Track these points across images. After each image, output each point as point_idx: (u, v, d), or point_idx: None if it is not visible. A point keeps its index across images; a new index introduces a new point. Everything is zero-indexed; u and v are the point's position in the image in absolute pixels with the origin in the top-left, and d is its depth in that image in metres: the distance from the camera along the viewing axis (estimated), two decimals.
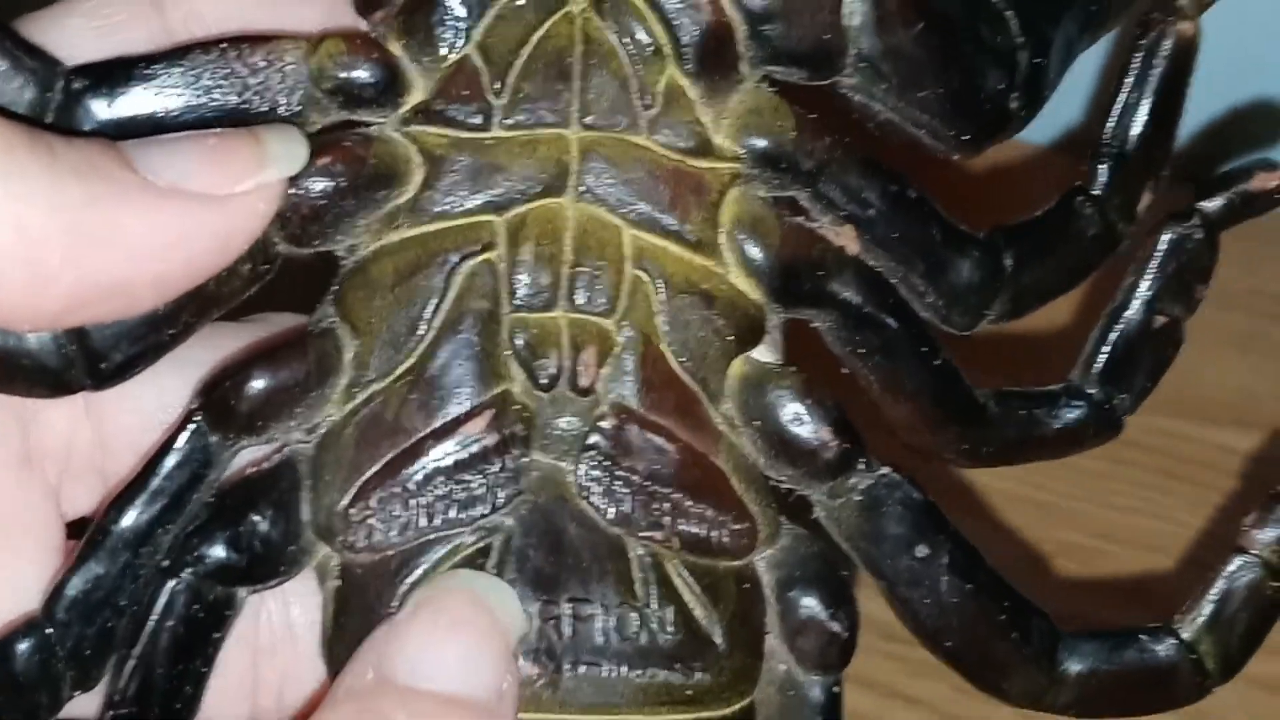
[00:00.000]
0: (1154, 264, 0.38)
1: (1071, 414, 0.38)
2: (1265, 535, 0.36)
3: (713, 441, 0.34)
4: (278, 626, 0.37)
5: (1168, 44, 0.38)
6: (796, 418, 0.34)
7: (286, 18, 0.35)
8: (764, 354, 0.35)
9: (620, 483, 0.34)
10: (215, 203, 0.32)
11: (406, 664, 0.31)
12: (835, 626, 0.35)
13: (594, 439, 0.34)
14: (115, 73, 0.33)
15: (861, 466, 0.35)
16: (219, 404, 0.33)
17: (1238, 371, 0.66)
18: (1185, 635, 0.37)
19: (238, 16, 0.35)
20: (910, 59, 0.35)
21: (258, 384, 0.33)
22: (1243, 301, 0.68)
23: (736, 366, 0.34)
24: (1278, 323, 0.68)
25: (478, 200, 0.34)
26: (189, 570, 0.33)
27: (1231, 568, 0.37)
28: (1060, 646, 0.36)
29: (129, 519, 0.33)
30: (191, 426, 0.33)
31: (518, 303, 0.34)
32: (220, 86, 0.33)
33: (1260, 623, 0.37)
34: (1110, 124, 0.38)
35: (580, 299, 0.34)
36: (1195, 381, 0.64)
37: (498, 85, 0.34)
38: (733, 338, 0.34)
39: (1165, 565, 0.61)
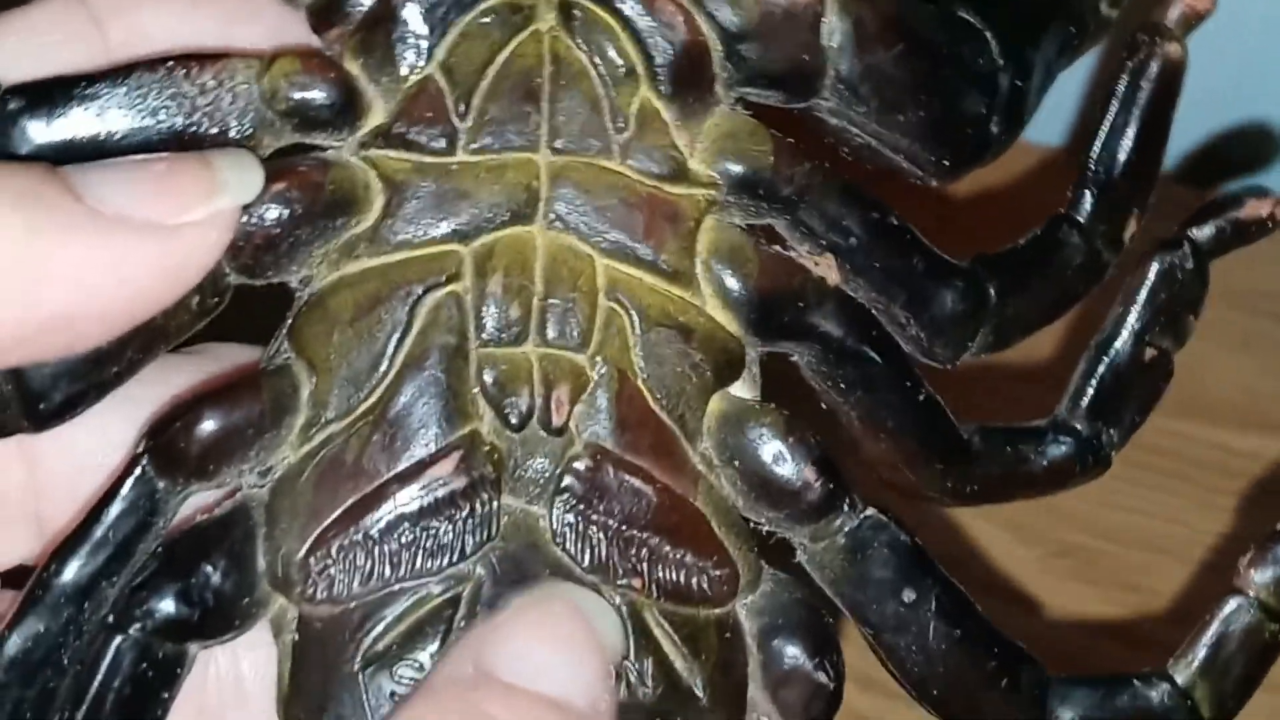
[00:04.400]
0: (1143, 294, 0.36)
1: (1059, 450, 0.36)
2: (1262, 576, 0.35)
3: (691, 483, 0.33)
4: (227, 684, 0.35)
5: (1154, 66, 0.37)
6: (778, 457, 0.33)
7: (235, 35, 0.33)
8: (742, 390, 0.33)
9: (595, 527, 0.32)
10: (165, 232, 0.30)
11: (510, 661, 0.30)
12: (821, 677, 0.33)
13: (567, 481, 0.32)
14: (54, 93, 0.31)
15: (845, 508, 0.33)
16: (167, 447, 0.31)
17: (1240, 371, 0.66)
18: (1180, 680, 0.35)
19: (183, 34, 0.33)
20: (890, 81, 0.34)
21: (208, 425, 0.31)
22: (1244, 301, 0.68)
23: (715, 403, 0.33)
24: (1278, 323, 0.68)
25: (442, 229, 0.32)
26: (136, 625, 0.31)
27: (1227, 610, 0.35)
28: (1051, 694, 0.35)
29: (71, 571, 0.31)
30: (137, 471, 0.31)
31: (486, 337, 0.32)
32: (167, 107, 0.31)
33: (1257, 667, 0.36)
34: (1095, 149, 0.37)
35: (552, 333, 0.32)
36: (1197, 381, 0.64)
37: (462, 107, 0.32)
38: (711, 373, 0.33)
39: (1167, 565, 0.60)
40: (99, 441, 0.33)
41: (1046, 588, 0.59)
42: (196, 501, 0.32)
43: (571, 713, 0.29)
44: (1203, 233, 0.36)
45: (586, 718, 0.30)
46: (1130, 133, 0.37)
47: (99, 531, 0.31)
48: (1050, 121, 0.71)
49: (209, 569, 0.31)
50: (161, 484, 0.31)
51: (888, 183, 0.35)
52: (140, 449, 0.31)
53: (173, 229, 0.30)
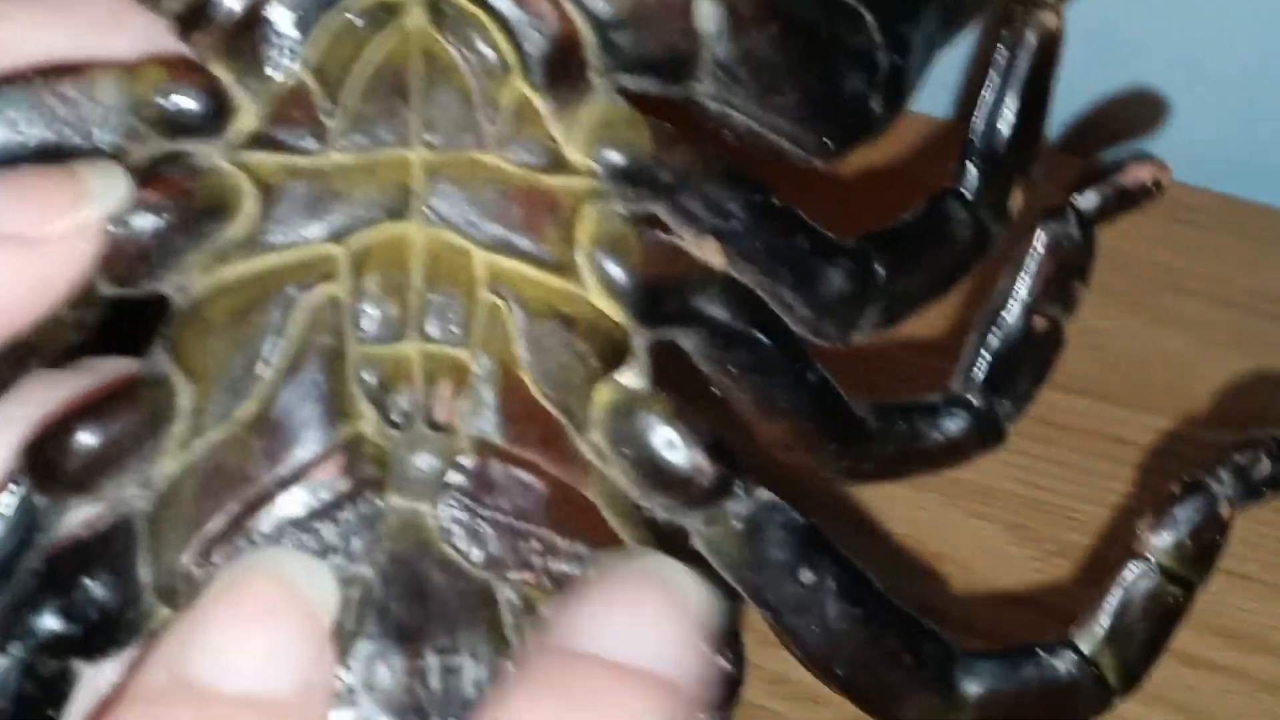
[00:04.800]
0: (1030, 264, 0.36)
1: (954, 424, 0.36)
2: (1161, 540, 0.35)
3: (581, 473, 0.32)
4: None
5: (1031, 36, 0.37)
6: (668, 443, 0.32)
7: (101, 45, 0.33)
8: (630, 379, 0.33)
9: (485, 523, 0.32)
10: (29, 245, 0.30)
11: (205, 660, 0.29)
12: (720, 663, 0.33)
13: (454, 478, 0.32)
14: None
15: (739, 491, 0.33)
16: (44, 463, 0.31)
17: (1238, 371, 0.66)
18: (1085, 649, 0.35)
19: (47, 46, 0.33)
20: (767, 63, 0.34)
21: (86, 439, 0.31)
22: (1243, 301, 0.68)
23: (602, 393, 0.33)
24: (1278, 323, 0.68)
25: (316, 230, 0.32)
26: (19, 644, 0.30)
27: (1128, 576, 0.35)
28: (957, 667, 0.35)
29: None
30: (15, 489, 0.31)
31: (364, 337, 0.32)
32: (29, 119, 0.31)
33: (1160, 631, 0.35)
34: (977, 121, 0.37)
35: (432, 329, 0.32)
36: (1195, 381, 0.64)
37: (331, 106, 0.32)
38: (597, 363, 0.33)
39: None
40: None
41: (1046, 588, 0.59)
42: (78, 517, 0.31)
43: (274, 705, 0.29)
44: (1087, 200, 0.36)
45: (293, 704, 0.29)
46: (1011, 104, 0.37)
47: None
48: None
49: (91, 584, 0.31)
50: (40, 500, 0.31)
51: (777, 166, 0.35)
52: (16, 466, 0.31)
53: (37, 241, 0.30)
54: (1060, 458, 0.60)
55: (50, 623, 0.30)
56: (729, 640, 0.33)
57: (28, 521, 0.31)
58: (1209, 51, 0.72)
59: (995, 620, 0.59)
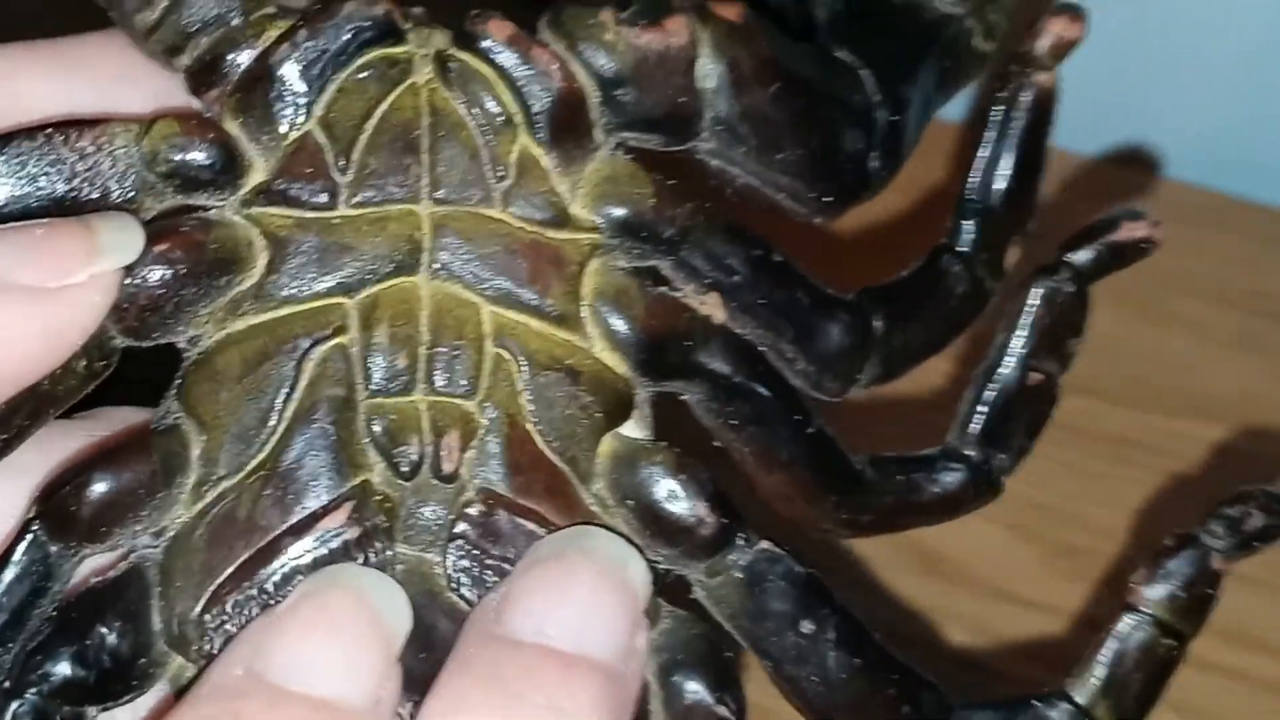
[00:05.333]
0: (1025, 320, 0.37)
1: (950, 477, 0.37)
2: (1155, 592, 0.35)
3: (585, 524, 0.33)
4: None
5: (1027, 96, 0.37)
6: (670, 494, 0.33)
7: (115, 101, 0.34)
8: (633, 430, 0.34)
9: (491, 572, 0.32)
10: (46, 296, 0.30)
11: (281, 661, 0.30)
12: (722, 711, 0.33)
13: (461, 527, 0.32)
14: None
15: (740, 542, 0.33)
16: (58, 511, 0.31)
17: (1238, 371, 0.66)
18: (1080, 700, 0.36)
19: (62, 101, 0.33)
20: (767, 121, 0.35)
21: (99, 487, 0.31)
22: (1243, 301, 0.68)
23: (606, 444, 0.33)
24: (1278, 323, 0.68)
25: (327, 282, 0.32)
26: (33, 690, 0.31)
27: (1123, 627, 0.36)
28: (954, 718, 0.35)
29: None
30: (29, 536, 0.31)
31: (374, 388, 0.32)
32: (46, 174, 0.32)
33: (1154, 683, 0.36)
34: (973, 179, 0.37)
35: (440, 381, 0.32)
36: (1195, 381, 0.65)
37: (342, 161, 0.32)
38: (601, 414, 0.33)
39: None
40: None
41: (1046, 588, 0.59)
42: (91, 565, 0.32)
43: (344, 711, 0.29)
44: (1081, 257, 0.37)
45: (361, 714, 0.29)
46: (1007, 162, 0.37)
47: None
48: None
49: (104, 630, 0.31)
50: (54, 548, 0.31)
51: (774, 221, 0.36)
52: (31, 514, 0.31)
53: (53, 292, 0.30)
54: (1061, 457, 0.60)
55: (64, 669, 0.31)
56: (730, 689, 0.33)
57: (41, 568, 0.31)
58: (1209, 51, 0.72)
59: (996, 620, 0.59)
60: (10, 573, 0.31)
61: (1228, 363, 0.66)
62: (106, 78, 0.34)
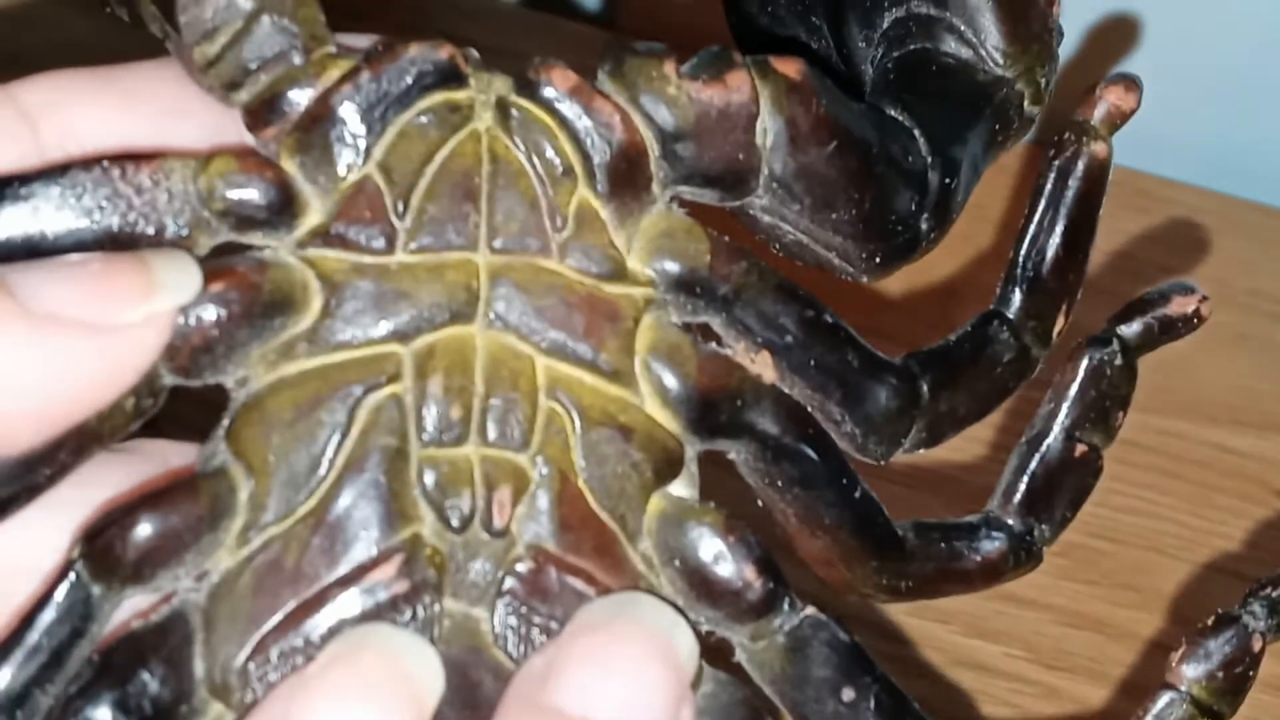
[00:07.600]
0: (1072, 391, 0.37)
1: (991, 546, 0.36)
2: (1194, 671, 0.35)
3: (631, 583, 0.32)
4: None
5: (1080, 165, 0.37)
6: (718, 556, 0.33)
7: (169, 133, 0.33)
8: (681, 489, 0.33)
9: (538, 630, 0.32)
10: (100, 333, 0.29)
11: None
12: None
13: (509, 583, 0.32)
14: None
15: (786, 607, 0.33)
16: (102, 551, 0.30)
17: (1237, 371, 0.66)
18: None
19: (116, 133, 0.33)
20: (822, 179, 0.34)
21: (144, 529, 0.30)
22: (1243, 301, 0.68)
23: (655, 503, 0.33)
24: (1278, 322, 0.68)
25: (382, 329, 0.32)
26: None
27: (1160, 704, 0.36)
28: None
29: (4, 680, 0.30)
30: (71, 576, 0.30)
31: (426, 438, 0.32)
32: (102, 207, 0.31)
33: None
34: (1023, 245, 0.37)
35: (493, 433, 0.32)
36: (1195, 381, 0.65)
37: (401, 206, 0.32)
38: (651, 473, 0.33)
39: (1165, 564, 0.61)
40: (30, 546, 0.32)
41: (1046, 588, 0.59)
42: (132, 606, 0.31)
43: None
44: (1131, 329, 0.37)
45: None
46: (1058, 230, 0.37)
47: (32, 638, 0.30)
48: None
49: (146, 676, 0.30)
50: (96, 589, 0.30)
51: (821, 279, 0.36)
52: (74, 553, 0.30)
53: (108, 330, 0.29)
54: None
55: (105, 714, 0.30)
56: None
57: (82, 609, 0.30)
58: (1209, 51, 0.72)
59: (996, 620, 0.59)
60: (51, 613, 0.30)
61: (1228, 363, 0.66)
62: (160, 109, 0.33)
